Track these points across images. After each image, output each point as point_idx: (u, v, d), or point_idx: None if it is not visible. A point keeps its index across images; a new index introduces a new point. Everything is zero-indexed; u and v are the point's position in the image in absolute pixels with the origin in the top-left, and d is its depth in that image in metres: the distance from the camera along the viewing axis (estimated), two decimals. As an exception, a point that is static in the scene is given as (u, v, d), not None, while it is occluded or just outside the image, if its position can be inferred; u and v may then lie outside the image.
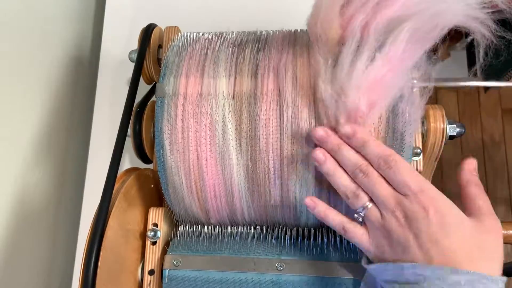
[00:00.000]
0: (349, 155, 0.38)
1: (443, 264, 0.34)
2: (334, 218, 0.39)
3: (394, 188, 0.37)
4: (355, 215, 0.39)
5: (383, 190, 0.37)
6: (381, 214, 0.37)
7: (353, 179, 0.38)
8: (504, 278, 0.34)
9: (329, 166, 0.39)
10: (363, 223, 0.39)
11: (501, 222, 0.52)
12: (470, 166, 0.39)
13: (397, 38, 0.36)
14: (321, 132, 0.39)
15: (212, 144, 0.42)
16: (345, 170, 0.39)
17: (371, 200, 0.38)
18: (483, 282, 0.32)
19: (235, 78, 0.43)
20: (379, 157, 0.37)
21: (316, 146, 0.40)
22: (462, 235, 0.35)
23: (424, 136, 0.48)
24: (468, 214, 0.36)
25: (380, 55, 0.37)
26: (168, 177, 0.44)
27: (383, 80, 0.37)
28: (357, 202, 0.38)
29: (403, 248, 0.36)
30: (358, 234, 0.39)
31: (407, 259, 0.36)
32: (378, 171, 0.37)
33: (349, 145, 0.38)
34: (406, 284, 0.34)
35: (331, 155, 0.39)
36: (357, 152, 0.38)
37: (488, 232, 0.35)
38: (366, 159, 0.38)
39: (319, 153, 0.39)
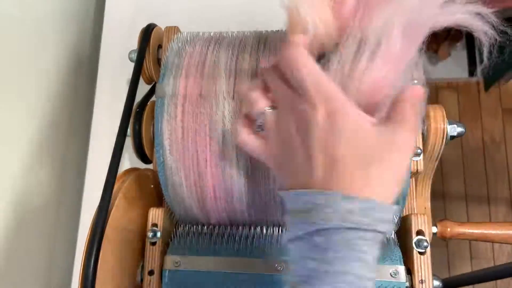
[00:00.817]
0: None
1: (331, 179, 0.29)
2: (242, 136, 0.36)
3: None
4: (257, 124, 0.35)
5: (281, 88, 0.33)
6: (277, 117, 0.33)
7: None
8: (397, 207, 0.30)
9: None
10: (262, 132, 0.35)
11: (501, 222, 0.52)
12: (415, 92, 0.32)
13: (391, 35, 0.34)
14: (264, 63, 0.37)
15: (212, 144, 0.42)
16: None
17: (273, 107, 0.34)
18: (378, 210, 0.28)
19: (235, 78, 0.43)
20: (284, 66, 0.33)
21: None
22: (358, 144, 0.29)
23: (425, 136, 0.48)
24: (383, 119, 0.31)
25: (378, 54, 0.36)
26: (168, 178, 0.44)
27: (384, 81, 0.37)
28: (255, 108, 0.35)
29: (290, 155, 0.31)
30: (255, 145, 0.35)
31: (293, 168, 0.31)
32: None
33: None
34: (298, 213, 0.30)
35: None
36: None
37: (395, 146, 0.29)
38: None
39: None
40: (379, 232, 0.28)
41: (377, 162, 0.29)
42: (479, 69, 1.40)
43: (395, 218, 0.31)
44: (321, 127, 0.29)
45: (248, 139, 0.35)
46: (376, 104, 0.37)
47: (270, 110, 0.34)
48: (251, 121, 0.36)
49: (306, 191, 0.29)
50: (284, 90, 0.32)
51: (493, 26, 0.34)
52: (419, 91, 0.33)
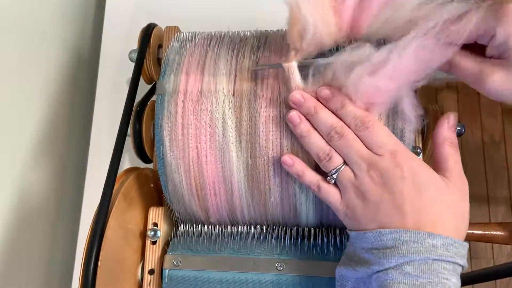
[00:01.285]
0: (326, 116, 0.38)
1: (416, 223, 0.35)
2: (310, 176, 0.40)
3: (370, 150, 0.37)
4: (328, 178, 0.39)
5: (358, 150, 0.37)
6: (355, 174, 0.37)
7: (328, 142, 0.39)
8: (467, 244, 0.36)
9: (303, 128, 0.39)
10: (335, 185, 0.39)
11: (501, 222, 0.52)
12: (451, 121, 0.38)
13: (404, 51, 0.35)
14: (298, 95, 0.39)
15: (212, 141, 0.42)
16: (320, 134, 0.39)
17: (345, 163, 0.38)
18: (455, 246, 0.34)
19: (235, 75, 0.43)
20: (356, 117, 0.37)
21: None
22: (435, 194, 0.35)
23: (425, 136, 0.48)
24: (438, 173, 0.37)
25: (386, 68, 0.36)
26: (168, 175, 0.44)
27: (386, 91, 0.37)
28: (330, 164, 0.38)
29: (376, 207, 0.36)
30: (331, 193, 0.39)
31: (380, 218, 0.36)
32: (354, 133, 0.38)
33: (327, 109, 0.39)
34: (385, 249, 0.35)
35: (307, 119, 0.39)
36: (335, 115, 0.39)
37: (458, 193, 0.36)
38: (344, 122, 0.38)
39: (294, 114, 0.39)
40: (457, 264, 0.34)
41: (447, 210, 0.35)
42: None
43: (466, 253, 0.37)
44: (408, 183, 0.35)
45: (324, 184, 0.39)
46: (374, 105, 0.38)
47: (344, 167, 0.38)
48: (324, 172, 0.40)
49: (394, 229, 0.35)
50: (362, 150, 0.37)
51: None
52: (451, 120, 0.38)
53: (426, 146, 0.48)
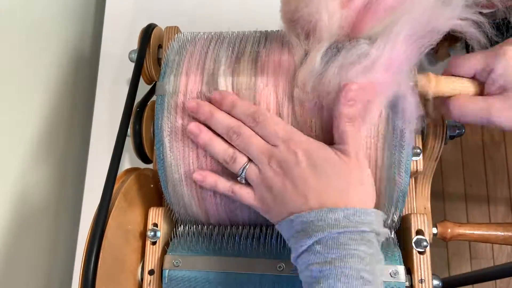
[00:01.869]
0: (222, 118, 0.40)
1: (320, 203, 0.36)
2: (223, 184, 0.41)
3: (267, 142, 0.38)
4: (238, 178, 0.40)
5: (257, 145, 0.38)
6: (259, 169, 0.39)
7: (230, 143, 0.40)
8: (376, 210, 0.37)
9: (204, 137, 0.41)
10: (247, 184, 0.40)
11: (501, 222, 0.52)
12: (348, 96, 0.37)
13: (396, 42, 0.37)
14: (192, 103, 0.41)
15: None
16: (222, 138, 0.40)
17: (250, 160, 0.39)
18: (358, 215, 0.35)
19: (235, 76, 0.43)
20: (246, 115, 0.39)
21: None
22: (332, 171, 0.37)
23: (424, 136, 0.48)
24: (336, 148, 0.38)
25: (381, 60, 0.37)
26: (168, 175, 0.44)
27: (382, 83, 0.37)
28: (236, 165, 0.40)
29: (282, 197, 0.37)
30: (244, 194, 0.40)
31: (288, 207, 0.37)
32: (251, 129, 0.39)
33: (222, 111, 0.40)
34: (297, 234, 0.36)
35: (206, 126, 0.41)
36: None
37: (355, 165, 0.37)
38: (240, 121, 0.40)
39: (193, 126, 0.41)
40: (364, 231, 0.35)
41: (347, 183, 0.37)
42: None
43: (380, 219, 0.37)
44: (304, 167, 0.37)
45: (236, 188, 0.41)
46: (372, 101, 0.38)
47: (249, 165, 0.39)
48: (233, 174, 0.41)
49: (300, 214, 0.36)
50: (259, 145, 0.38)
51: (487, 35, 0.38)
52: (349, 91, 0.37)
53: (426, 146, 0.48)
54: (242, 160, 0.39)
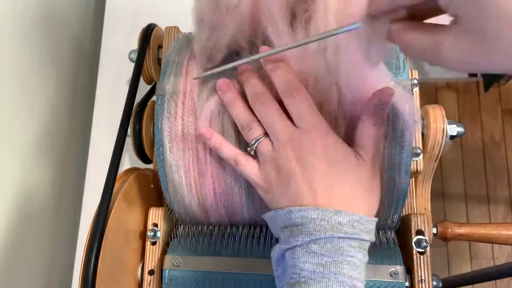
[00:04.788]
0: (254, 82, 0.39)
1: (326, 200, 0.34)
2: (227, 150, 0.40)
3: (291, 121, 0.36)
4: (248, 148, 0.38)
5: (278, 121, 0.37)
6: (273, 146, 0.37)
7: (253, 109, 0.38)
8: (376, 219, 0.36)
9: (230, 96, 0.39)
10: (255, 157, 0.39)
11: (501, 222, 0.52)
12: (383, 99, 0.36)
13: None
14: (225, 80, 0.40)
15: None
16: (247, 104, 0.39)
17: (266, 134, 0.38)
18: (361, 222, 0.34)
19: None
20: (285, 83, 0.37)
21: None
22: (346, 172, 0.35)
23: (424, 136, 0.48)
24: (356, 150, 0.36)
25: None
26: (168, 176, 0.44)
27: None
28: (251, 134, 0.38)
29: (288, 181, 0.36)
30: (248, 167, 0.39)
31: (291, 193, 0.36)
32: (280, 98, 0.37)
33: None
34: (293, 227, 0.34)
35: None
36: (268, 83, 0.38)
37: (371, 171, 0.36)
38: (274, 88, 0.38)
39: (223, 81, 0.40)
40: (364, 240, 0.34)
41: (358, 187, 0.35)
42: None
43: (374, 228, 0.37)
44: (321, 160, 0.35)
45: (241, 158, 0.39)
46: (363, 95, 0.37)
47: (264, 139, 0.37)
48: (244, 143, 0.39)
49: (303, 207, 0.34)
50: (282, 122, 0.36)
51: None
52: (386, 96, 0.36)
53: (426, 146, 0.48)
54: (258, 131, 0.38)
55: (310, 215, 0.34)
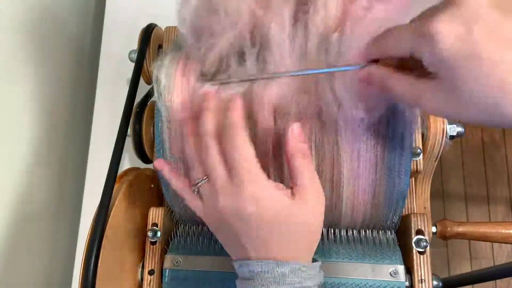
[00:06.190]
0: (206, 119, 0.37)
1: (268, 251, 0.35)
2: (175, 184, 0.39)
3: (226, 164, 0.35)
4: (193, 187, 0.38)
5: (215, 168, 0.35)
6: (211, 191, 0.36)
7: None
8: (319, 263, 0.37)
9: (186, 131, 0.39)
10: (199, 195, 0.38)
11: (501, 222, 0.52)
12: (294, 132, 0.36)
13: None
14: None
15: None
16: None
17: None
18: (303, 270, 0.35)
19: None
20: (225, 126, 0.36)
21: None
22: (282, 220, 0.35)
23: (424, 136, 0.48)
24: (293, 191, 0.36)
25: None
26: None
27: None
28: (194, 174, 0.37)
29: (228, 232, 0.36)
30: (192, 204, 0.38)
31: (233, 243, 0.37)
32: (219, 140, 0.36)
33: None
34: (244, 280, 0.35)
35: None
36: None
37: (308, 210, 0.35)
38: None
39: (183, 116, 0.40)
40: (308, 287, 0.35)
41: (296, 229, 0.35)
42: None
43: (320, 269, 0.37)
44: (253, 211, 0.34)
45: (188, 197, 0.38)
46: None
47: (206, 181, 0.36)
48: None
49: (248, 261, 0.35)
50: (217, 172, 0.35)
51: None
52: (295, 131, 0.36)
53: (426, 146, 0.48)
54: (200, 173, 0.37)
55: (255, 268, 0.34)
